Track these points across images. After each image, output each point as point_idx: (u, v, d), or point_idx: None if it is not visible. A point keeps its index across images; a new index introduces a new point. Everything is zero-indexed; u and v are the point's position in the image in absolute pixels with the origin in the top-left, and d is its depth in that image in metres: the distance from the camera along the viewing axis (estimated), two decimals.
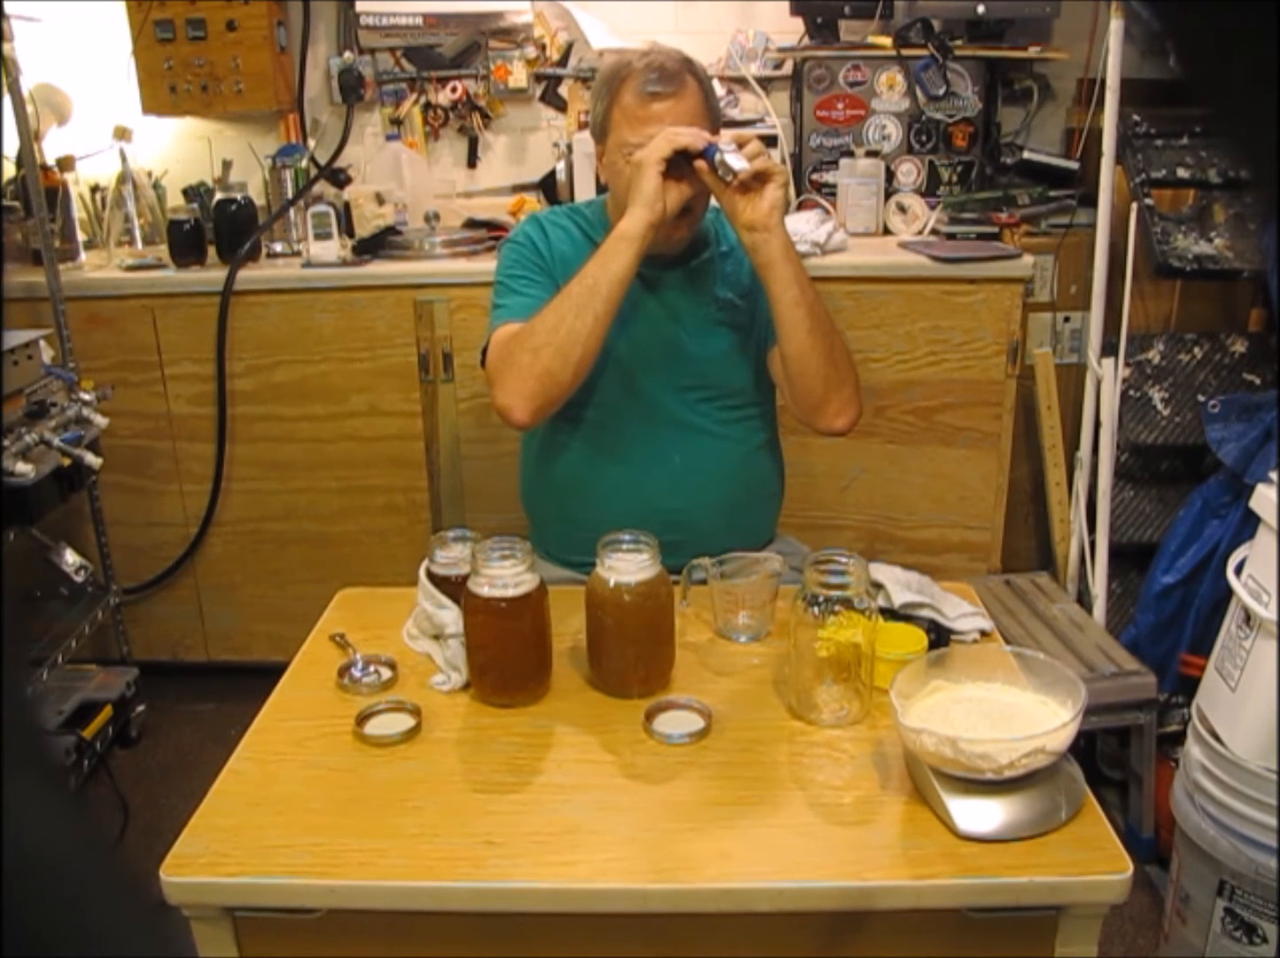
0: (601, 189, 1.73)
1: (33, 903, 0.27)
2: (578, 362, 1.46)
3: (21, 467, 2.02)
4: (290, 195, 2.66)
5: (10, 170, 2.57)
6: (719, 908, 1.01)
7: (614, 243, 1.46)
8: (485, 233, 2.60)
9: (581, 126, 2.73)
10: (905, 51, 2.50)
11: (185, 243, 2.49)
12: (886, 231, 2.59)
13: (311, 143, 2.85)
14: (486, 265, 2.49)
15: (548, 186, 2.78)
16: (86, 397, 2.28)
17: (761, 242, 1.46)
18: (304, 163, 2.74)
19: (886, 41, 2.53)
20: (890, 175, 2.60)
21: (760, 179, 1.44)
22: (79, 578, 2.29)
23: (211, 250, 2.53)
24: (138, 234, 2.68)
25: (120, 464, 2.52)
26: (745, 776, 1.13)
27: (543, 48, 2.80)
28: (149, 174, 2.76)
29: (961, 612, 1.38)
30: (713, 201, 1.55)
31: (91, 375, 2.38)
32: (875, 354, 2.34)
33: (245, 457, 2.54)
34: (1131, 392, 2.33)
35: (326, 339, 2.45)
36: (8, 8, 2.47)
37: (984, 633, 1.38)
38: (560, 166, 2.65)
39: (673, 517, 1.54)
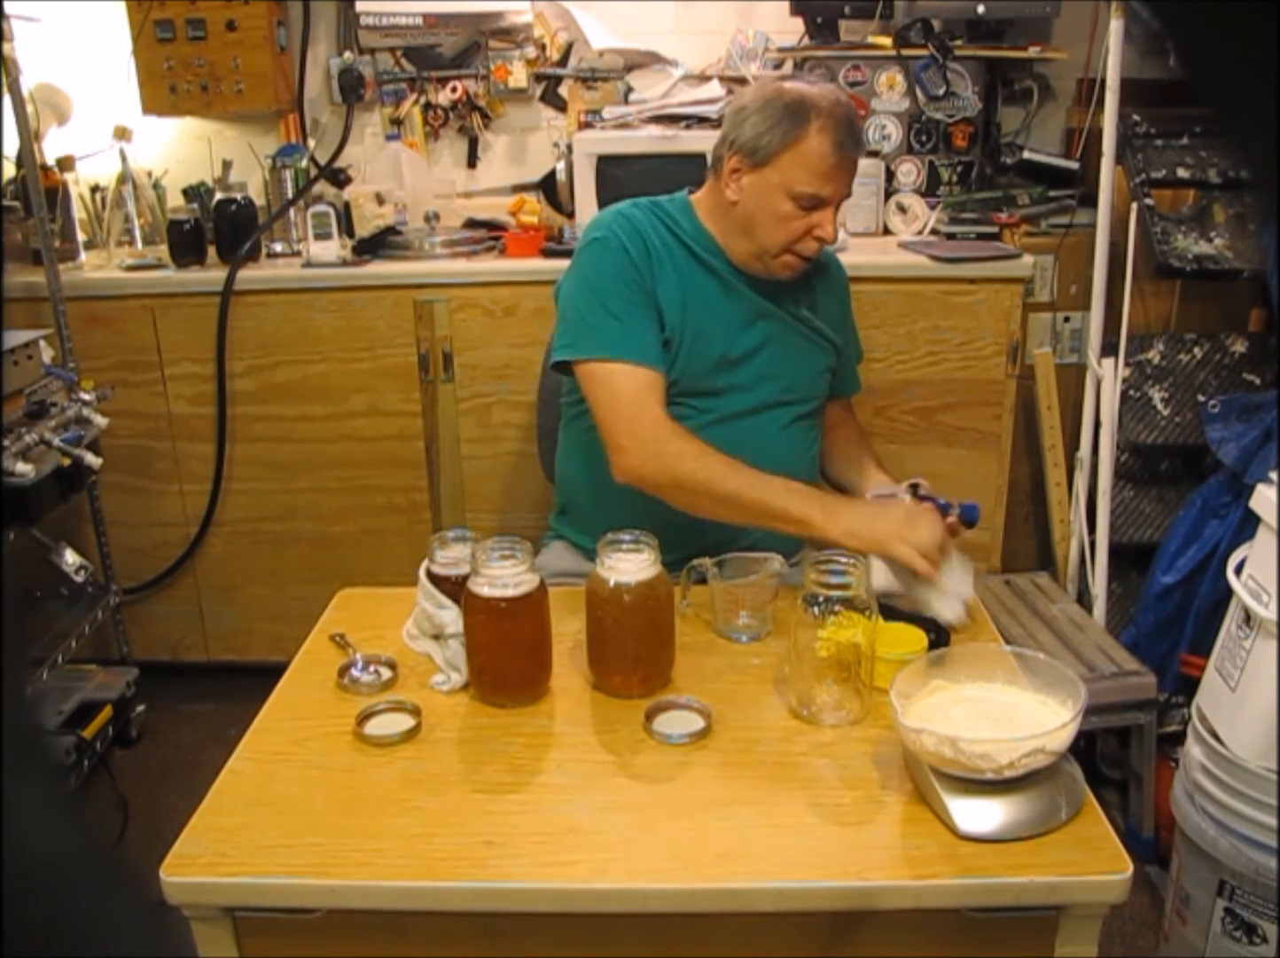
0: (658, 191, 1.70)
1: (33, 903, 0.27)
2: (697, 511, 1.50)
3: (21, 467, 2.02)
4: (290, 195, 2.66)
5: (10, 170, 2.57)
6: (719, 908, 1.01)
7: (800, 511, 1.43)
8: (485, 233, 2.61)
9: (581, 126, 2.73)
10: (905, 51, 2.50)
11: (185, 243, 2.49)
12: (886, 232, 2.59)
13: (311, 143, 2.85)
14: (486, 265, 2.50)
15: (548, 187, 2.78)
16: (86, 397, 2.28)
17: None
18: (304, 163, 2.74)
19: (886, 41, 2.53)
20: (890, 175, 2.60)
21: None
22: (79, 578, 2.28)
23: (211, 250, 2.53)
24: (138, 234, 2.68)
25: (120, 464, 2.52)
26: (745, 776, 1.13)
27: (543, 48, 2.80)
28: (149, 174, 2.76)
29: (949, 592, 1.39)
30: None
31: (91, 375, 2.38)
32: (875, 354, 2.34)
33: (245, 457, 2.54)
34: (1131, 392, 2.33)
35: (326, 339, 2.45)
36: (8, 8, 2.47)
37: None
38: (560, 166, 2.64)
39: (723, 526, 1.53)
